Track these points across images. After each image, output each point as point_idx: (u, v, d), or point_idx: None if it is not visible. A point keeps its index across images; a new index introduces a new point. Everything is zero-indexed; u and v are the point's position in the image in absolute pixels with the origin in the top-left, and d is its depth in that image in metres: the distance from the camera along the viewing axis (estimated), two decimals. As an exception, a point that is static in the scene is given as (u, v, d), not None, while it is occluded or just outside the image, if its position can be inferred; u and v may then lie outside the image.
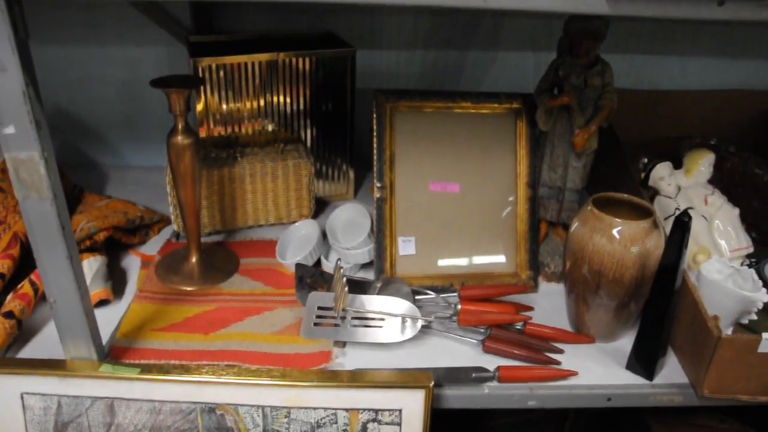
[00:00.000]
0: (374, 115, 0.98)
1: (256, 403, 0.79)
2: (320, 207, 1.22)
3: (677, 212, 0.94)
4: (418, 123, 0.99)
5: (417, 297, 0.97)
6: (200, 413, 0.80)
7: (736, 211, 0.95)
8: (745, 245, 0.94)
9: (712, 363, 0.82)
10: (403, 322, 0.89)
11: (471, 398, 0.85)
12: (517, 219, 1.01)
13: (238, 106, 1.11)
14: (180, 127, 0.92)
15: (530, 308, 0.98)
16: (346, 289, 0.87)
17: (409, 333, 0.89)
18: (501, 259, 1.02)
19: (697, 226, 0.93)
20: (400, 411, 0.81)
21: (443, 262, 1.01)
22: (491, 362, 0.88)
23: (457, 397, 0.85)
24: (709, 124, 1.31)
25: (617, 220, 0.85)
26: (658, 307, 0.84)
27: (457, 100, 1.00)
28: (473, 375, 0.86)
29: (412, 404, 0.80)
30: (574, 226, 0.89)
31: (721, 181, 1.22)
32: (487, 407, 0.86)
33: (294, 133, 1.16)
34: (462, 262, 1.01)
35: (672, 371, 0.89)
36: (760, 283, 0.85)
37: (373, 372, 0.83)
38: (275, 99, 1.12)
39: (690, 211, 0.94)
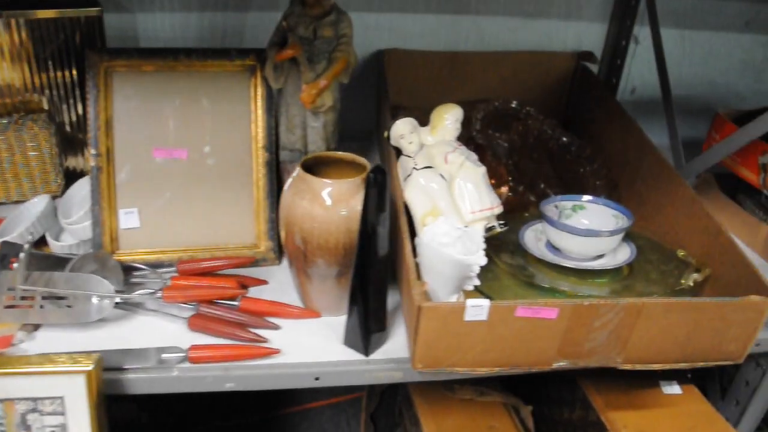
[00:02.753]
0: (87, 77, 0.88)
1: None
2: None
3: (413, 172, 0.87)
4: (138, 84, 0.89)
5: (135, 273, 0.88)
6: None
7: (482, 169, 0.87)
8: (489, 206, 0.86)
9: (418, 334, 0.74)
10: (95, 300, 0.80)
11: (158, 382, 0.76)
12: (253, 186, 0.92)
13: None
14: None
15: (263, 282, 0.90)
16: (19, 266, 0.77)
17: (101, 313, 0.80)
18: (238, 229, 0.93)
19: (435, 185, 0.86)
20: (62, 399, 0.71)
21: (173, 235, 0.91)
22: (198, 341, 0.79)
23: (141, 381, 0.75)
24: (509, 86, 1.24)
25: (321, 180, 0.77)
26: (362, 275, 0.76)
27: (181, 57, 0.90)
28: (163, 356, 0.77)
29: (74, 391, 0.71)
30: (284, 191, 0.81)
31: (518, 143, 1.15)
32: (180, 391, 0.77)
33: (36, 103, 1.05)
34: (195, 234, 0.91)
35: (397, 346, 0.81)
36: (481, 245, 0.78)
37: (28, 357, 0.73)
38: (7, 65, 1.01)
39: (428, 170, 0.87)
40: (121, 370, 0.75)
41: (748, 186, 1.11)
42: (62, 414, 0.71)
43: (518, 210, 1.04)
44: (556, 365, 0.79)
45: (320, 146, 0.92)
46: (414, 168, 0.86)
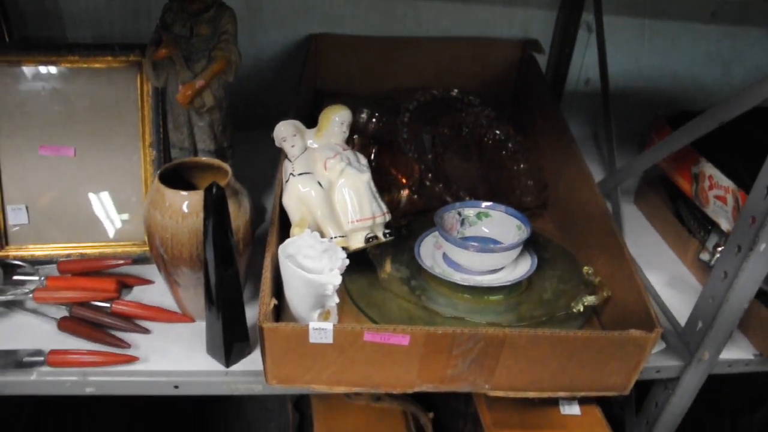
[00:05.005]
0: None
1: None
2: None
3: (290, 178, 0.83)
4: (20, 80, 0.88)
5: (19, 270, 0.89)
6: None
7: (365, 176, 0.83)
8: (369, 215, 0.83)
9: (265, 353, 0.73)
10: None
11: (16, 385, 0.77)
12: (142, 184, 0.91)
13: None
14: None
15: (149, 282, 0.90)
16: None
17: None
18: (128, 227, 0.92)
19: (312, 193, 0.82)
20: None
21: (63, 232, 0.91)
22: (67, 343, 0.80)
23: (-1, 383, 0.77)
24: (450, 75, 1.18)
25: (174, 191, 0.74)
26: (215, 287, 0.75)
27: (63, 53, 0.88)
28: (24, 359, 0.78)
29: None
30: (145, 200, 0.79)
31: (448, 136, 1.10)
32: (39, 394, 0.78)
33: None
34: (85, 231, 0.91)
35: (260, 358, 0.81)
36: (340, 263, 0.75)
37: None
38: None
39: (305, 177, 0.84)
40: (-19, 371, 0.76)
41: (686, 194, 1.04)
42: None
43: (431, 211, 1.00)
44: (418, 389, 0.77)
45: (209, 145, 0.89)
46: (291, 174, 0.83)
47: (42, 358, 0.77)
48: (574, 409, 0.93)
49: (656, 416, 0.95)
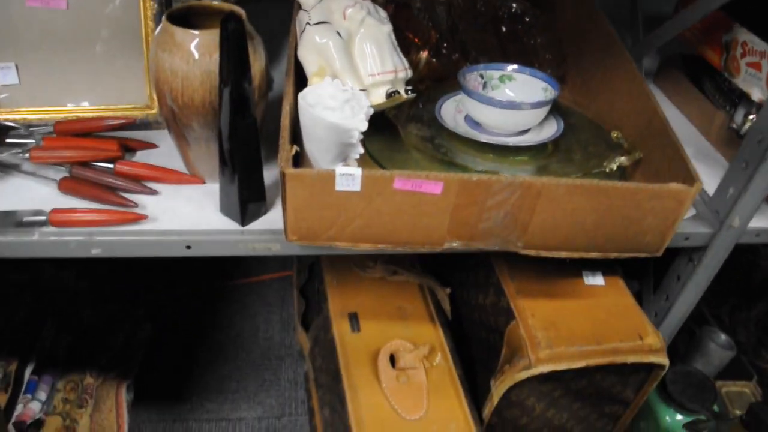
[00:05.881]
0: None
1: None
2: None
3: (306, 28, 0.77)
4: None
5: (11, 132, 0.82)
6: None
7: (386, 27, 0.77)
8: (391, 69, 0.77)
9: (287, 203, 0.68)
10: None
11: (18, 246, 0.71)
12: (142, 42, 0.83)
13: None
14: None
15: (152, 146, 0.84)
16: None
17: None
18: (129, 90, 0.85)
19: (330, 43, 0.76)
20: None
21: (57, 94, 0.84)
22: (69, 205, 0.74)
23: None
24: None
25: (185, 31, 0.68)
26: (229, 138, 0.69)
27: None
28: (24, 219, 0.72)
29: None
30: (151, 45, 0.72)
31: (462, 7, 1.04)
32: (44, 256, 0.73)
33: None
34: (81, 93, 0.84)
35: (277, 217, 0.76)
36: (366, 110, 0.70)
37: None
38: None
39: (322, 26, 0.78)
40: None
41: (712, 69, 1.00)
42: None
43: (449, 79, 0.95)
44: (447, 245, 0.73)
45: (215, -2, 0.82)
46: (307, 23, 0.77)
47: (44, 218, 0.71)
48: (598, 280, 0.91)
49: (678, 291, 0.93)
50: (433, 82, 0.96)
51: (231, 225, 0.74)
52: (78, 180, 0.75)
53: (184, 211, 0.75)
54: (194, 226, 0.73)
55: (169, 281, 1.51)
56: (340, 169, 0.65)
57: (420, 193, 0.67)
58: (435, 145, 0.81)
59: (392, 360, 0.86)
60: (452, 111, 0.87)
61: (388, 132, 0.84)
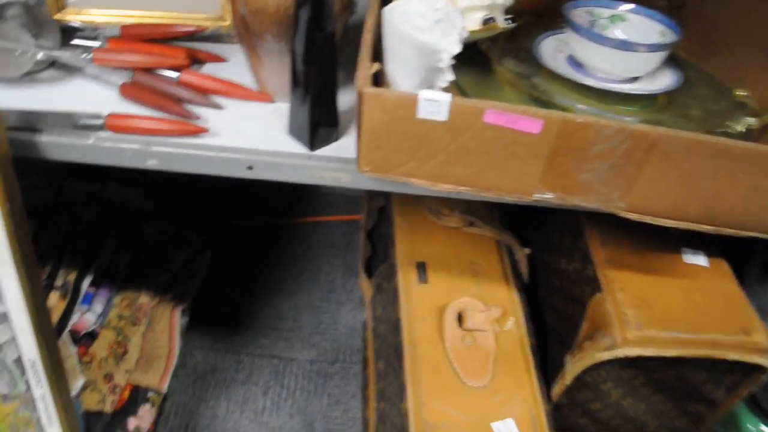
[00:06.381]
0: None
1: None
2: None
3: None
4: None
5: (78, 34, 0.77)
6: None
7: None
8: (492, -8, 0.68)
9: (362, 127, 0.60)
10: (17, 53, 0.70)
11: (72, 149, 0.67)
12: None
13: None
14: None
15: (220, 59, 0.77)
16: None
17: (20, 68, 0.70)
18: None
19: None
20: (-39, 150, 0.64)
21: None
22: (129, 111, 0.69)
23: (53, 145, 0.66)
24: None
25: None
26: (303, 50, 0.61)
27: None
28: (81, 121, 0.67)
29: (-29, 140, 0.63)
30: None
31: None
32: (98, 162, 0.68)
33: None
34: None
35: (351, 146, 0.68)
36: (458, 31, 0.60)
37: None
38: None
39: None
40: (32, 130, 0.66)
41: None
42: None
43: (551, 16, 0.84)
44: (538, 196, 0.64)
45: None
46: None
47: (101, 122, 0.66)
48: (699, 260, 0.79)
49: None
50: (533, 17, 0.85)
51: (298, 149, 0.67)
52: (140, 86, 0.70)
53: (249, 129, 0.69)
54: (258, 145, 0.67)
55: (233, 212, 1.48)
56: (424, 93, 0.57)
57: (514, 130, 0.58)
58: (532, 84, 0.72)
59: (459, 319, 0.78)
60: (552, 50, 0.77)
61: (480, 66, 0.75)
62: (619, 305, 0.72)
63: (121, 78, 0.72)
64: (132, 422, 0.98)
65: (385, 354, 0.84)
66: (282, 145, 0.67)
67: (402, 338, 0.76)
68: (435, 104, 0.57)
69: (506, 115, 0.57)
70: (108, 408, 0.94)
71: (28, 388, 0.75)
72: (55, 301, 0.96)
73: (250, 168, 0.66)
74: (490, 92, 0.71)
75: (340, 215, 1.53)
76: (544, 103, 0.69)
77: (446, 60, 0.60)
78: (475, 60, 0.74)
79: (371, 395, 0.89)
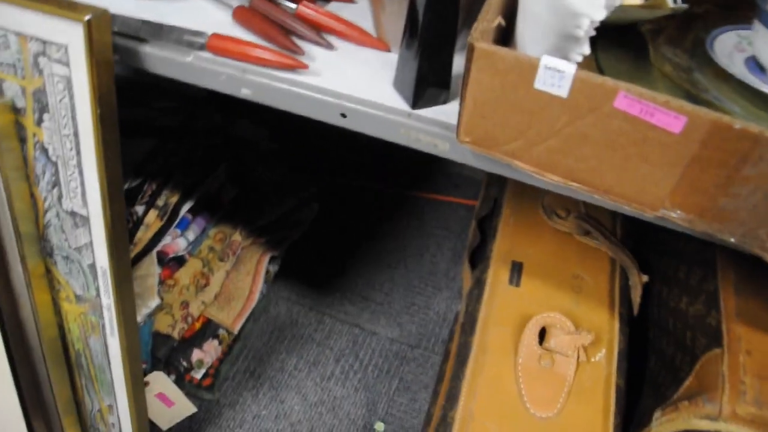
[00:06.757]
0: None
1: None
2: None
3: None
4: None
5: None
6: None
7: None
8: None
9: (467, 89, 0.52)
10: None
11: (170, 64, 0.64)
12: None
13: None
14: None
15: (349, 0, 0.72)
16: None
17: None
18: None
19: None
20: (66, 47, 0.63)
21: None
22: (237, 35, 0.65)
23: (152, 57, 0.64)
24: None
25: None
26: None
27: None
28: (184, 37, 0.64)
29: (75, 41, 0.62)
30: None
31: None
32: (192, 82, 0.64)
33: None
34: None
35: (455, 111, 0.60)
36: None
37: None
38: None
39: None
40: (135, 39, 0.65)
41: None
42: (67, 64, 0.64)
43: (740, 9, 0.69)
44: (663, 213, 0.52)
45: None
46: None
47: (203, 41, 0.63)
48: None
49: None
50: (716, 6, 0.71)
51: (399, 104, 0.60)
52: (254, 12, 0.66)
53: (354, 76, 0.62)
54: (356, 93, 0.60)
55: (353, 171, 1.44)
56: (546, 59, 0.47)
57: (649, 124, 0.47)
58: (692, 80, 0.59)
59: (541, 335, 0.68)
60: (729, 46, 0.63)
61: (634, 53, 0.63)
62: (737, 369, 0.58)
63: (239, 1, 0.68)
64: (196, 354, 0.97)
65: (459, 353, 0.76)
66: (382, 97, 0.60)
67: (472, 340, 0.67)
68: (557, 75, 0.47)
69: (643, 103, 0.46)
70: (176, 334, 0.94)
71: (98, 295, 0.75)
72: (151, 219, 0.97)
73: (343, 115, 0.60)
74: (637, 82, 0.60)
75: (462, 198, 1.46)
76: (703, 102, 0.57)
77: (585, 27, 0.49)
78: (631, 46, 0.63)
79: (442, 392, 0.82)
